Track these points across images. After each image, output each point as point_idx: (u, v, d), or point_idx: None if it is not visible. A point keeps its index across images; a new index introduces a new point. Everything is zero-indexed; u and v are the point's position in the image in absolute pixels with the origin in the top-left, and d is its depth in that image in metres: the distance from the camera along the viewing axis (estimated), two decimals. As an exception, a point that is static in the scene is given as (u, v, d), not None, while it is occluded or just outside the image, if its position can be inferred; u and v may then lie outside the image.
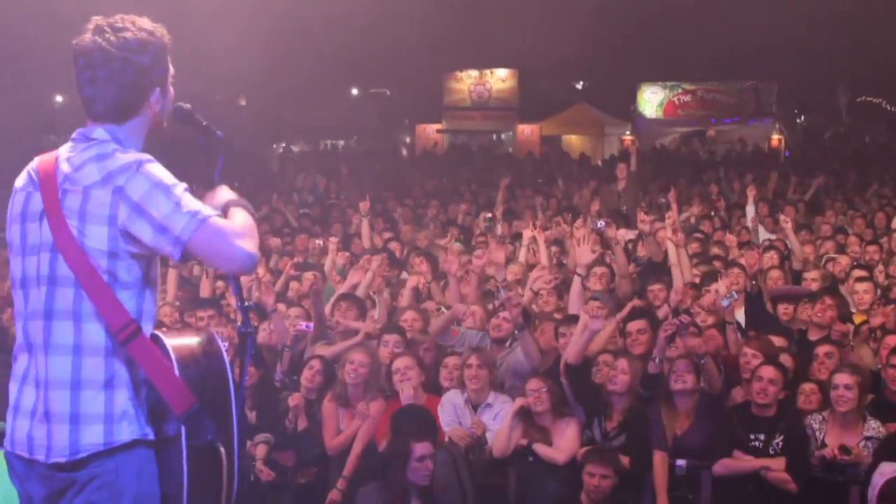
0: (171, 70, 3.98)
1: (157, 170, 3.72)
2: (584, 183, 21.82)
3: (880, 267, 12.28)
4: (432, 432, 7.58)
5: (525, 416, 8.11)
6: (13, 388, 3.82)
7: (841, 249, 13.69)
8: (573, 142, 40.73)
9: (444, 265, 10.90)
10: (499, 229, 15.64)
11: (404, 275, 12.58)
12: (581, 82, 43.14)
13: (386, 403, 8.48)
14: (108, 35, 3.75)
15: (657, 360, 8.21)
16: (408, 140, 44.02)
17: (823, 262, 12.69)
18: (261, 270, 10.62)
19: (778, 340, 8.83)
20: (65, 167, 3.76)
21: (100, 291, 3.67)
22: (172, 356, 3.73)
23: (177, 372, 3.71)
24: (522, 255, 12.64)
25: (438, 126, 42.01)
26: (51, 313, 3.71)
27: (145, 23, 3.85)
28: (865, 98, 44.20)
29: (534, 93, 40.48)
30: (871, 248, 13.00)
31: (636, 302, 9.86)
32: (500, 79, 41.60)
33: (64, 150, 3.85)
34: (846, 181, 23.58)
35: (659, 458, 7.89)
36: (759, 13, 32.62)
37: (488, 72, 41.48)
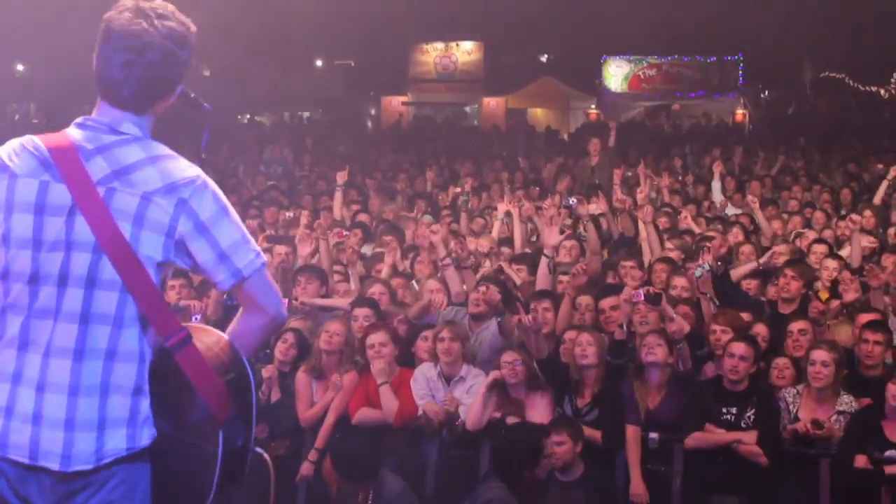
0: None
1: (218, 190, 3.68)
2: (551, 158, 21.88)
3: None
4: (368, 473, 7.66)
5: (499, 388, 8.12)
6: (1, 387, 3.59)
7: (808, 224, 13.80)
8: (539, 115, 40.75)
9: (417, 238, 10.91)
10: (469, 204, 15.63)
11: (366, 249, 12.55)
12: (546, 55, 43.12)
13: (359, 376, 8.48)
14: (153, 21, 3.58)
15: (622, 327, 8.30)
16: (373, 112, 43.96)
17: (792, 237, 12.75)
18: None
19: (746, 316, 8.88)
20: (101, 162, 3.58)
21: (151, 297, 3.57)
22: (208, 359, 3.67)
23: (220, 379, 3.66)
24: (496, 230, 12.65)
25: (404, 98, 41.92)
26: (87, 316, 3.52)
27: (180, 14, 3.70)
28: (829, 73, 44.45)
29: (499, 66, 40.43)
30: (843, 224, 13.03)
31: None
32: (465, 51, 41.47)
33: (78, 136, 3.64)
34: (811, 156, 23.71)
35: (632, 433, 7.93)
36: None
37: (454, 44, 41.35)
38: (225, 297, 9.24)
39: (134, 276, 3.52)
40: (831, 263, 10.44)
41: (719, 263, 10.27)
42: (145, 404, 3.61)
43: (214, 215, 3.60)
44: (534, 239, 12.83)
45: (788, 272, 9.60)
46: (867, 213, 13.44)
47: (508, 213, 12.68)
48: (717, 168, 16.73)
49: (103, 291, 3.52)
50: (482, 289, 8.92)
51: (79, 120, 3.70)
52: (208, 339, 3.73)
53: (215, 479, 3.61)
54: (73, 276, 3.52)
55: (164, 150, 3.66)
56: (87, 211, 3.51)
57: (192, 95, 3.94)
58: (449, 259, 9.59)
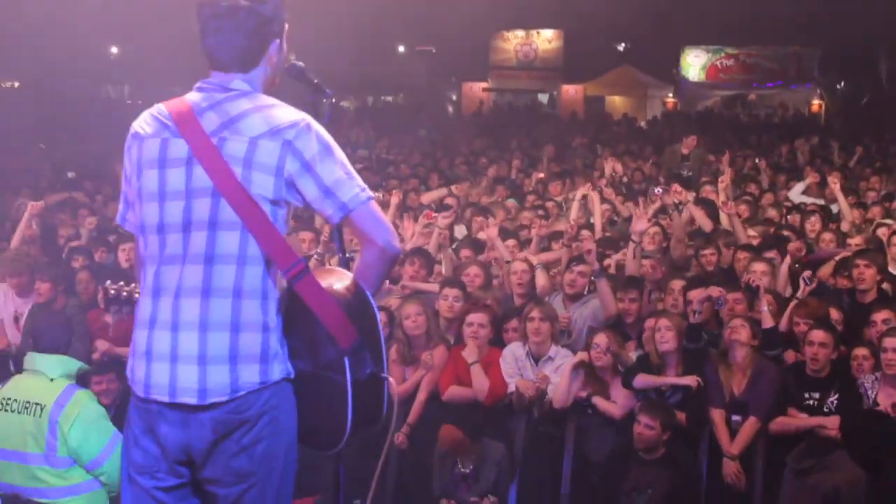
0: (287, 25, 4.11)
1: (323, 131, 3.94)
2: (631, 145, 22.01)
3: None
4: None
5: (586, 368, 8.32)
6: (141, 333, 3.91)
7: (888, 215, 13.75)
8: (616, 103, 40.80)
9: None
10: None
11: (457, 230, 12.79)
12: (624, 44, 43.07)
13: (448, 352, 8.65)
14: None
15: (695, 313, 8.37)
16: (454, 98, 44.16)
17: (874, 227, 12.73)
18: (305, 234, 10.90)
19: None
20: (212, 116, 3.87)
21: (268, 234, 3.81)
22: (330, 293, 3.90)
23: (341, 309, 3.88)
24: (574, 211, 12.82)
25: (484, 84, 42.14)
26: (211, 258, 3.81)
27: None
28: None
29: (578, 54, 40.45)
30: (921, 215, 13.07)
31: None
32: (545, 39, 41.68)
33: (195, 98, 3.96)
34: (888, 148, 23.59)
35: (717, 415, 8.08)
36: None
37: (534, 32, 41.58)
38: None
39: (251, 215, 3.80)
40: None
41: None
42: (274, 341, 3.88)
43: (318, 154, 3.88)
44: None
45: (860, 262, 9.58)
46: None
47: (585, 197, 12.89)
48: (814, 178, 16.05)
49: (225, 232, 3.82)
50: (578, 269, 9.25)
51: (197, 84, 4.03)
52: (330, 277, 4.00)
53: (349, 410, 3.86)
54: (196, 221, 3.83)
55: (270, 100, 3.97)
56: (203, 159, 3.82)
57: (316, 81, 4.26)
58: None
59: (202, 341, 3.80)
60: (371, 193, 4.00)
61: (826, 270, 10.16)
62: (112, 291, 4.53)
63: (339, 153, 3.96)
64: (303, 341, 3.95)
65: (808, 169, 17.39)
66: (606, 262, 10.02)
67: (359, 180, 3.97)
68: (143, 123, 4.00)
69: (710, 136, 23.71)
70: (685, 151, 17.46)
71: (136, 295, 4.55)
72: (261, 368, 3.84)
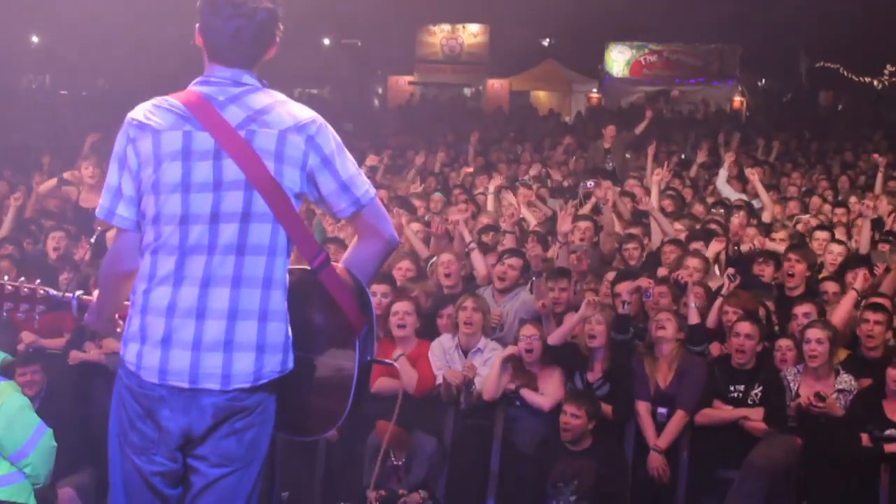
0: None
1: (333, 130, 4.06)
2: (558, 139, 22.15)
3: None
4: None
5: (514, 361, 8.35)
6: (156, 321, 3.87)
7: (806, 210, 14.04)
8: (541, 98, 41.01)
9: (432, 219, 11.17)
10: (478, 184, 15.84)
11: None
12: (549, 39, 43.31)
13: (377, 346, 8.64)
14: None
15: (624, 304, 8.51)
16: (380, 91, 44.15)
17: (794, 222, 12.94)
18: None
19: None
20: (235, 109, 3.91)
21: (297, 226, 3.95)
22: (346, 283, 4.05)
23: (354, 296, 4.02)
24: (490, 204, 12.98)
25: (410, 78, 42.19)
26: (244, 248, 3.87)
27: None
28: (824, 63, 44.71)
29: (504, 49, 40.62)
30: (840, 211, 13.29)
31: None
32: (471, 34, 41.85)
33: (209, 91, 3.97)
34: (808, 145, 24.01)
35: (643, 408, 8.19)
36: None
37: (460, 26, 41.71)
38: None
39: (282, 208, 3.90)
40: (836, 248, 10.60)
41: (736, 248, 10.46)
42: (289, 330, 3.97)
43: (335, 150, 4.01)
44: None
45: (792, 255, 9.75)
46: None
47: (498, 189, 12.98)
48: (730, 157, 16.57)
49: (257, 224, 3.89)
50: (508, 262, 9.29)
51: (199, 79, 4.06)
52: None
53: (351, 394, 4.00)
54: (226, 213, 3.87)
55: (282, 96, 4.05)
56: (233, 153, 3.87)
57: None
58: (474, 243, 9.88)
59: (230, 329, 3.86)
60: (375, 190, 4.16)
61: (767, 269, 10.21)
62: (26, 290, 4.42)
63: (347, 150, 4.09)
64: (301, 329, 4.04)
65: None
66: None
67: (364, 177, 4.12)
68: (150, 115, 3.96)
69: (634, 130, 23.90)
70: (607, 145, 17.62)
71: (41, 292, 4.46)
72: (283, 357, 3.95)
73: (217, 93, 3.97)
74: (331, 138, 4.00)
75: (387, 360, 4.25)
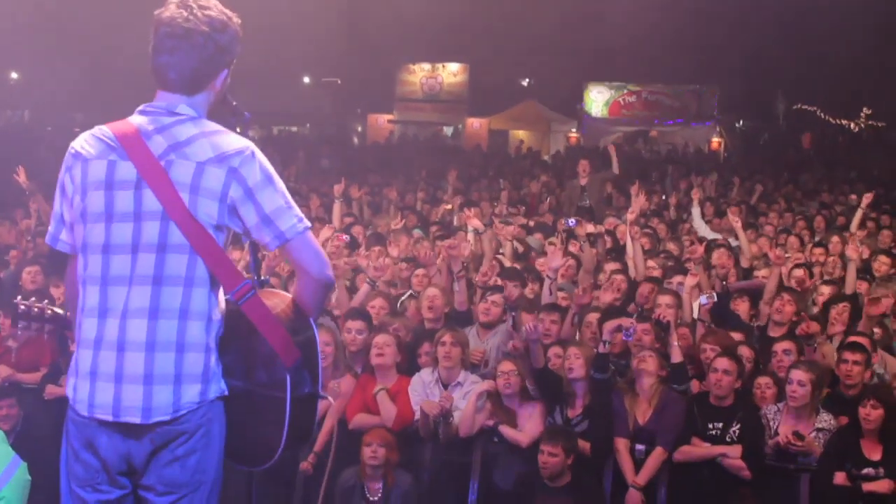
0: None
1: (266, 161, 4.02)
2: (536, 176, 22.24)
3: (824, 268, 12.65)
4: None
5: (493, 397, 8.34)
6: (85, 353, 3.91)
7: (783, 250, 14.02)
8: (520, 137, 41.19)
9: (417, 253, 11.18)
10: (455, 220, 15.88)
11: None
12: (528, 79, 43.59)
13: (355, 381, 8.65)
14: (194, 10, 3.94)
15: (604, 343, 8.45)
16: (359, 129, 44.28)
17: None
18: (237, 254, 10.77)
19: (737, 336, 9.10)
20: (160, 139, 3.92)
21: (216, 257, 3.90)
22: (275, 314, 4.00)
23: (285, 329, 3.97)
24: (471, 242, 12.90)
25: (389, 116, 42.34)
26: (160, 279, 3.86)
27: (222, 6, 4.06)
28: (801, 105, 45.06)
29: (483, 88, 40.91)
30: (818, 251, 13.35)
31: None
32: (451, 73, 42.12)
33: (141, 121, 3.99)
34: (784, 185, 24.19)
35: (622, 445, 8.16)
36: (701, 21, 33.31)
37: (440, 65, 41.94)
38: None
39: (199, 239, 3.86)
40: (826, 289, 10.69)
41: (723, 284, 10.44)
42: (213, 360, 3.95)
43: (260, 182, 3.95)
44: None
45: (785, 296, 9.77)
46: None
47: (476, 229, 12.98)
48: (696, 194, 16.91)
49: (174, 255, 3.88)
50: (492, 298, 9.27)
51: (140, 108, 4.06)
52: (274, 299, 4.09)
53: (285, 427, 3.96)
54: (145, 243, 3.87)
55: (216, 126, 4.02)
56: (152, 183, 3.87)
57: (234, 103, 4.30)
58: (463, 272, 9.86)
59: (148, 361, 3.85)
60: (308, 224, 4.09)
61: (742, 306, 10.28)
62: (22, 307, 4.47)
63: (280, 183, 4.05)
64: (239, 360, 4.04)
65: (707, 204, 17.74)
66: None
67: (297, 210, 4.06)
68: (84, 144, 4.02)
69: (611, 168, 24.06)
70: (583, 182, 17.69)
71: (49, 312, 4.52)
72: (202, 388, 3.93)
73: (149, 122, 3.99)
74: (257, 170, 3.96)
75: (323, 394, 4.17)
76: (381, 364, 8.55)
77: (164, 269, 3.87)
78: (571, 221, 12.66)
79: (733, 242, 14.01)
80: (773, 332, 9.65)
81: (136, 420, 3.85)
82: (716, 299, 9.19)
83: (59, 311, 4.54)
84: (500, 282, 9.92)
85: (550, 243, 11.98)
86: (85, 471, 3.95)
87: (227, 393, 4.00)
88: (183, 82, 4.00)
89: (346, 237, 11.92)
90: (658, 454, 8.07)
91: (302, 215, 4.06)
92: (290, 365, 3.95)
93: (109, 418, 3.86)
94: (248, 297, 3.95)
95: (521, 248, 13.28)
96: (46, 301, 4.57)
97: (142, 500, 3.99)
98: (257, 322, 3.94)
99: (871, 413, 7.62)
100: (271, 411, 3.98)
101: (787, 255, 12.44)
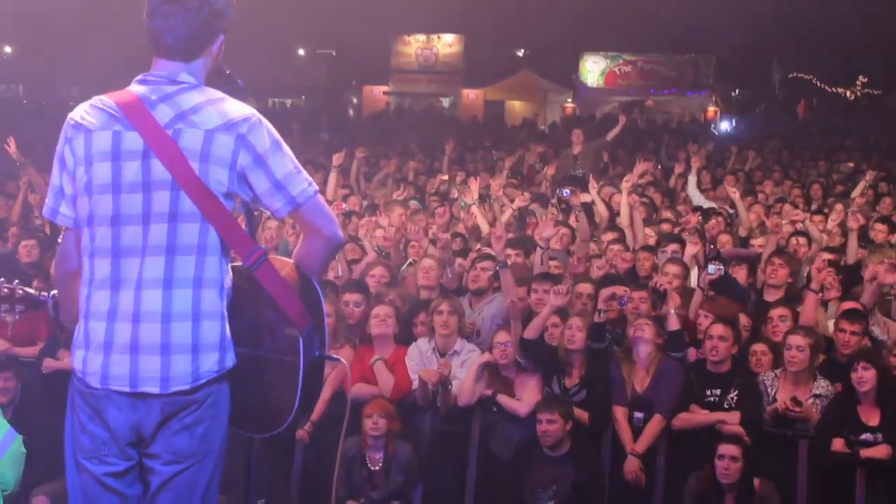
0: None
1: (271, 127, 4.00)
2: (531, 147, 22.16)
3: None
4: None
5: (490, 366, 8.37)
6: (97, 325, 3.88)
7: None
8: (516, 107, 41.19)
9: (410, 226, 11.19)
10: (454, 192, 15.86)
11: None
12: (524, 50, 43.51)
13: (353, 352, 8.65)
14: None
15: (600, 312, 8.49)
16: (355, 101, 44.23)
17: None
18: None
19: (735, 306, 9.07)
20: (165, 108, 3.88)
21: (228, 224, 3.88)
22: (285, 279, 4.02)
23: (296, 293, 4.00)
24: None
25: (385, 88, 42.32)
26: (173, 248, 3.85)
27: None
28: (797, 74, 44.97)
29: (479, 59, 40.87)
30: (817, 219, 13.32)
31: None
32: (446, 44, 42.07)
33: (142, 90, 3.95)
34: (780, 153, 24.17)
35: (620, 413, 8.17)
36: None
37: (435, 36, 41.90)
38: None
39: (210, 207, 3.85)
40: (826, 256, 10.51)
41: (711, 247, 10.45)
42: (227, 328, 3.94)
43: (269, 148, 3.94)
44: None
45: (776, 260, 9.82)
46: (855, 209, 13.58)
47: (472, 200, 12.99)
48: (695, 163, 16.87)
49: (185, 223, 3.86)
50: (481, 265, 9.29)
51: (139, 77, 4.03)
52: (278, 264, 4.07)
53: (298, 390, 3.99)
54: (156, 213, 3.85)
55: (219, 94, 4.00)
56: (160, 152, 3.84)
57: (228, 72, 4.26)
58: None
59: (165, 331, 3.84)
60: (317, 187, 4.08)
61: (740, 273, 10.23)
62: (5, 290, 4.41)
63: (287, 148, 4.03)
64: (246, 327, 4.04)
65: (704, 173, 17.72)
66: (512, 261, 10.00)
67: (305, 175, 4.05)
68: (85, 115, 3.99)
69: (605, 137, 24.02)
70: (576, 151, 17.64)
71: (19, 292, 4.44)
72: (219, 356, 3.93)
73: (151, 91, 3.96)
74: (265, 136, 3.94)
75: (334, 356, 4.20)
76: (380, 334, 8.57)
77: (177, 238, 3.85)
78: (566, 192, 12.65)
79: (729, 210, 14.01)
80: (769, 297, 9.69)
81: (155, 390, 3.84)
82: (723, 271, 9.14)
83: (32, 291, 4.46)
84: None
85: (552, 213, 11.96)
86: (92, 442, 3.94)
87: (236, 361, 4.00)
88: (180, 47, 3.97)
89: (344, 206, 11.91)
90: (657, 422, 8.09)
91: (310, 179, 4.06)
92: (304, 329, 3.97)
93: (126, 389, 3.85)
94: (261, 262, 3.96)
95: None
96: (17, 281, 4.51)
97: (146, 469, 3.99)
98: (271, 288, 3.97)
99: (863, 375, 7.61)
100: (282, 377, 4.00)
101: (784, 222, 12.46)
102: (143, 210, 3.86)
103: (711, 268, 9.12)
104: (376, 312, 8.61)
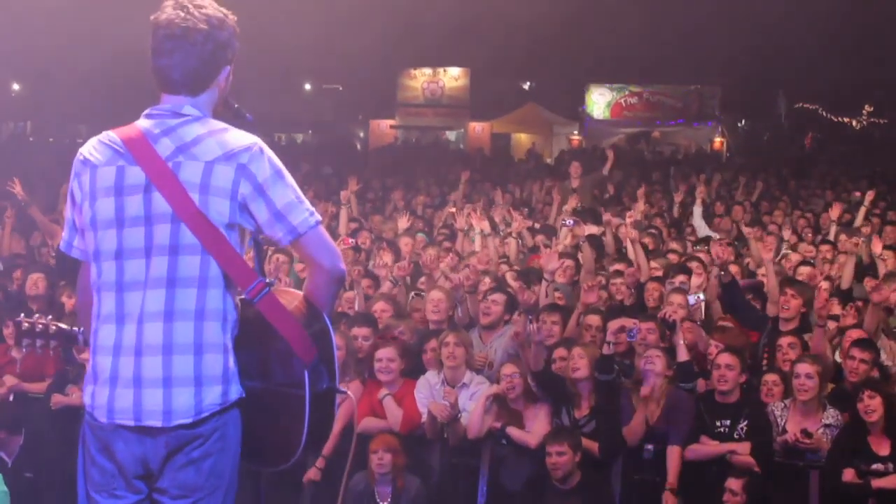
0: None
1: (274, 156, 4.00)
2: (538, 180, 22.20)
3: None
4: None
5: (499, 399, 8.35)
6: (103, 360, 3.90)
7: (791, 248, 13.98)
8: (522, 140, 41.26)
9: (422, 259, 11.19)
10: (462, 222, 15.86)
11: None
12: (529, 83, 43.65)
13: (363, 387, 8.63)
14: (190, 10, 3.92)
15: (608, 344, 8.42)
16: (361, 135, 44.33)
17: (779, 258, 12.94)
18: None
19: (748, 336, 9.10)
20: (167, 141, 3.90)
21: (228, 256, 3.88)
22: (290, 311, 3.99)
23: (301, 326, 3.97)
24: (477, 244, 12.93)
25: (392, 122, 42.41)
26: (174, 281, 3.85)
27: (218, 5, 4.04)
28: (803, 104, 45.03)
29: (485, 92, 40.97)
30: (825, 248, 13.29)
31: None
32: (452, 77, 42.22)
33: (147, 125, 3.98)
34: (787, 184, 24.16)
35: (677, 452, 8.06)
36: (703, 20, 33.31)
37: (441, 70, 42.04)
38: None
39: (211, 238, 3.85)
40: (824, 285, 10.46)
41: (722, 273, 10.40)
42: (232, 361, 3.94)
43: (270, 178, 3.94)
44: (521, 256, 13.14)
45: (788, 291, 9.69)
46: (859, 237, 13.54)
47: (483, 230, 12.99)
48: (700, 194, 16.88)
49: (186, 256, 3.87)
50: (492, 298, 9.28)
51: (146, 111, 4.05)
52: (286, 296, 4.06)
53: (305, 425, 3.96)
54: (157, 246, 3.86)
55: (221, 125, 4.01)
56: (161, 185, 3.86)
57: (236, 106, 4.29)
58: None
59: (166, 364, 3.85)
60: (319, 218, 4.07)
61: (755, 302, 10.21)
62: (26, 325, 4.42)
63: (290, 178, 4.03)
64: (255, 360, 4.04)
65: (717, 204, 17.73)
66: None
67: (307, 205, 4.04)
68: (92, 150, 4.02)
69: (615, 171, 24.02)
70: (574, 185, 17.64)
71: (53, 328, 4.45)
72: (223, 389, 3.92)
73: (155, 125, 3.98)
74: (266, 165, 3.94)
75: (342, 389, 4.17)
76: (385, 380, 8.55)
77: (178, 270, 3.86)
78: (569, 222, 12.64)
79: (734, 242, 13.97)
80: (784, 327, 9.56)
81: (158, 423, 3.84)
82: (703, 300, 9.14)
83: (65, 326, 4.47)
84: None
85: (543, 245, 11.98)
86: (101, 475, 3.95)
87: (244, 395, 3.99)
88: (185, 82, 3.99)
89: (351, 241, 11.95)
90: (675, 453, 8.04)
91: (313, 209, 4.05)
92: (308, 362, 3.95)
93: (131, 423, 3.86)
94: (263, 294, 3.94)
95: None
96: (51, 317, 4.53)
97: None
98: (274, 320, 3.94)
99: (869, 404, 7.58)
100: (290, 410, 3.98)
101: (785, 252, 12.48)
102: (146, 243, 3.88)
103: (692, 298, 9.11)
104: (379, 356, 8.57)
